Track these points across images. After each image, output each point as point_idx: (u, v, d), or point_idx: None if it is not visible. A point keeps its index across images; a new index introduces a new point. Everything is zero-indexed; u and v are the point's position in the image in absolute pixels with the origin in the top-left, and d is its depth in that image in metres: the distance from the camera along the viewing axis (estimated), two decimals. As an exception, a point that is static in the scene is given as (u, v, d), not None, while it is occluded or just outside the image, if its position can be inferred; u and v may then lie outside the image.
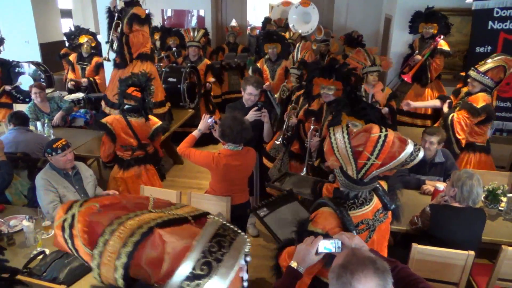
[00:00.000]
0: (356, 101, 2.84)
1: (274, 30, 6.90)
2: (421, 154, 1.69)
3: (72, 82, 6.06)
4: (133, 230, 0.82)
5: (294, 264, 1.64)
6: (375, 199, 1.90)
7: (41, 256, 2.46)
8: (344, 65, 3.59)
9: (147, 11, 4.69)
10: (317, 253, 1.61)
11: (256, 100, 3.57)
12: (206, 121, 3.19)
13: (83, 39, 6.20)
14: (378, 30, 7.70)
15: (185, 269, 0.78)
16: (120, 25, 4.54)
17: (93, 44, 6.22)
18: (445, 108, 3.99)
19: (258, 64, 5.69)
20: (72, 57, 6.24)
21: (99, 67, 6.15)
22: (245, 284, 0.95)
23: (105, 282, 0.82)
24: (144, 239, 0.81)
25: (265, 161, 4.70)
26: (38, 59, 6.72)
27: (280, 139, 4.30)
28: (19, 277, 2.21)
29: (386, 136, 1.67)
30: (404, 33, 5.72)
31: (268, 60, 5.50)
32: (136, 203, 0.92)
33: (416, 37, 5.57)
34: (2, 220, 2.83)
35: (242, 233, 0.91)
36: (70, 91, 5.97)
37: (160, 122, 3.71)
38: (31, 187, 3.26)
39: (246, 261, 0.89)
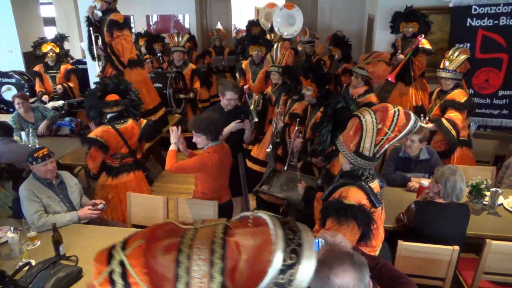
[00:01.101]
0: (342, 112, 2.88)
1: (259, 34, 6.92)
2: (419, 122, 1.96)
3: (46, 95, 5.81)
4: (209, 247, 0.75)
5: None
6: None
7: (26, 268, 2.42)
8: (320, 68, 3.68)
9: (132, 16, 4.66)
10: None
11: (235, 104, 3.59)
12: (176, 132, 3.12)
13: (46, 48, 5.99)
14: (362, 30, 7.77)
15: (276, 263, 0.74)
16: (99, 37, 4.50)
17: (57, 50, 6.04)
18: (430, 125, 3.93)
19: (243, 65, 5.71)
20: (38, 67, 5.99)
21: (69, 74, 6.01)
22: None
23: None
24: (225, 251, 0.75)
25: (249, 164, 4.74)
26: (22, 68, 6.64)
27: (270, 146, 4.31)
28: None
29: (399, 110, 1.90)
30: (387, 33, 5.78)
31: (252, 62, 5.53)
32: (166, 230, 0.84)
33: (399, 36, 5.63)
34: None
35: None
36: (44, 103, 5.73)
37: (145, 121, 3.68)
38: (15, 198, 3.22)
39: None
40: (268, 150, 4.26)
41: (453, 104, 3.79)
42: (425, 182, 3.06)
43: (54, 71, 5.98)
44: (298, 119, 3.59)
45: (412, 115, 1.94)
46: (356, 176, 2.06)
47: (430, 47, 5.28)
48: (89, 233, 2.86)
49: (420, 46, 5.23)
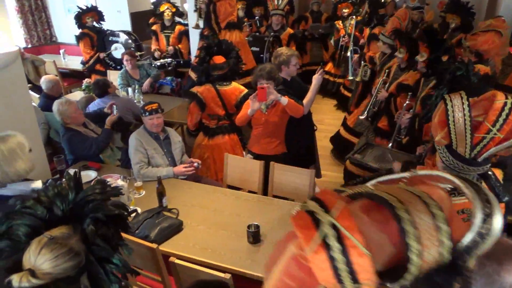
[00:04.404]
0: (461, 81, 2.48)
1: None
2: None
3: (158, 52, 6.19)
4: (418, 200, 0.70)
5: None
6: None
7: (134, 214, 2.58)
8: (435, 32, 3.31)
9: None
10: None
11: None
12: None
13: (164, 7, 6.29)
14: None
15: (479, 212, 0.70)
16: None
17: (173, 10, 6.29)
18: None
19: None
20: (156, 26, 6.35)
21: (182, 35, 6.23)
22: None
23: (423, 270, 0.68)
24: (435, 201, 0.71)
25: (342, 131, 4.55)
26: (129, 28, 7.03)
27: (365, 114, 4.06)
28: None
29: None
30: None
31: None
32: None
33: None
34: (99, 178, 3.03)
35: None
36: (156, 60, 6.11)
37: (246, 90, 3.65)
38: (124, 149, 3.45)
39: None
40: (362, 117, 4.02)
41: None
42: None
43: (169, 31, 6.28)
44: (409, 93, 3.27)
45: None
46: None
47: None
48: (188, 189, 2.97)
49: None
